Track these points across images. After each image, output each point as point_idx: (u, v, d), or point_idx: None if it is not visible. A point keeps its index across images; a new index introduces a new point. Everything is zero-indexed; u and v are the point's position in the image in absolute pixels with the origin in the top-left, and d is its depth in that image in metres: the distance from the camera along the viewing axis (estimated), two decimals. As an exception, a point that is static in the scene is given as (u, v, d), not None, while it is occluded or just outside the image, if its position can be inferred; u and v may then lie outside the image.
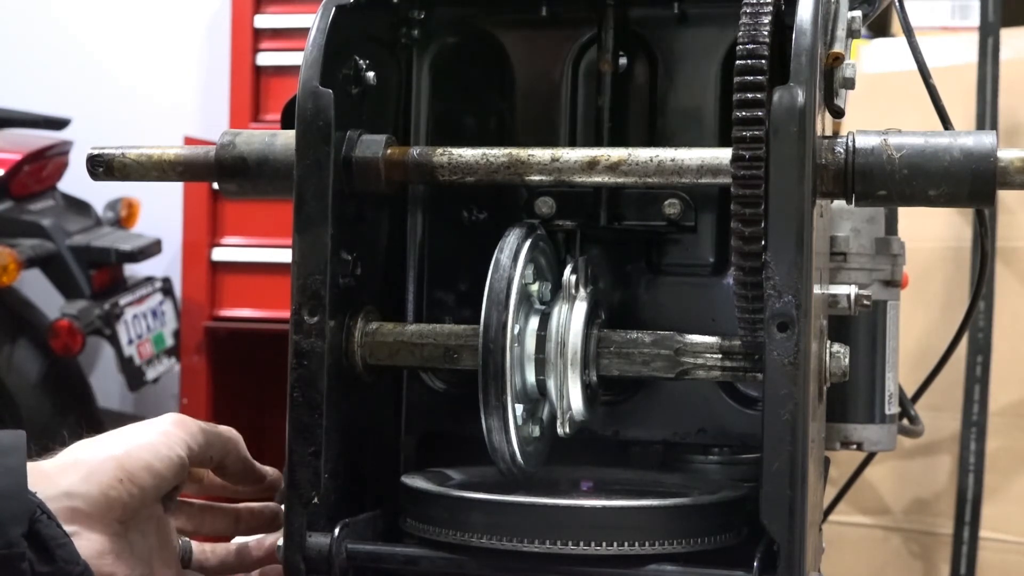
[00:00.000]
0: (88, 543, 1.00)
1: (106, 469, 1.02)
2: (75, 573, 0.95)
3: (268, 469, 1.20)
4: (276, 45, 3.82)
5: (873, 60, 2.61)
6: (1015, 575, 2.46)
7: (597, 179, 1.10)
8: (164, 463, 1.05)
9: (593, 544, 1.01)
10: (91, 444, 1.05)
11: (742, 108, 0.98)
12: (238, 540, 1.22)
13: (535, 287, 1.11)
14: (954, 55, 2.59)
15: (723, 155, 1.06)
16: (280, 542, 1.07)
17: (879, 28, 2.77)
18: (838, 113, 1.06)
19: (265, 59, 3.83)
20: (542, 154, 1.10)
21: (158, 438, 1.07)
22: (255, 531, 1.21)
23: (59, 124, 4.07)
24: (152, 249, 3.94)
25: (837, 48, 1.04)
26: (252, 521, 1.21)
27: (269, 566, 1.19)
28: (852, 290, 1.11)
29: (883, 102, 2.41)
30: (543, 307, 1.11)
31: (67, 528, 0.97)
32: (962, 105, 2.51)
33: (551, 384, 1.09)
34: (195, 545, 1.18)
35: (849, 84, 1.05)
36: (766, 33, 0.98)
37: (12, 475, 0.95)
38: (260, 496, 1.22)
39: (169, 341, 3.97)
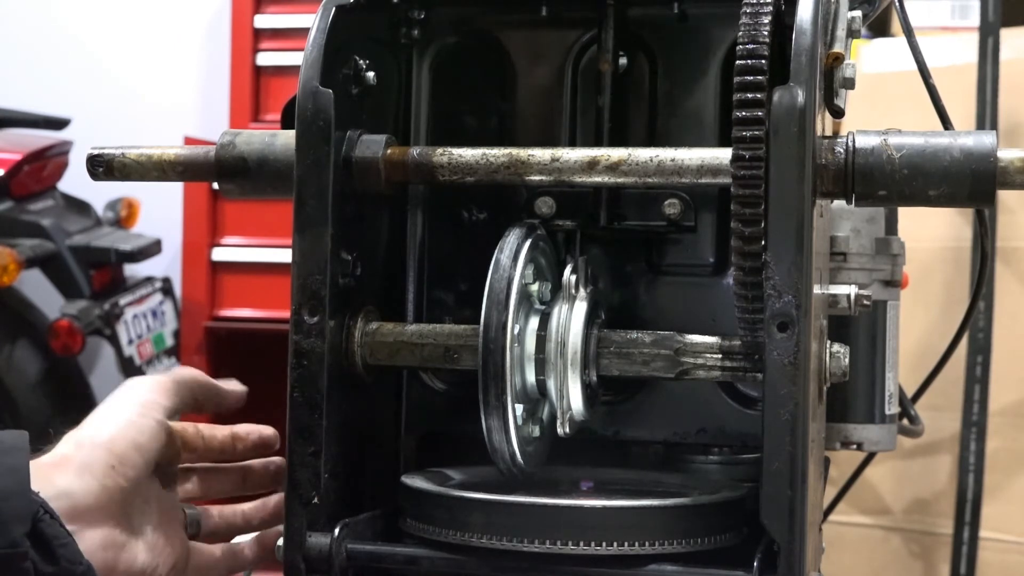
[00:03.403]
0: (91, 539, 1.00)
1: (97, 459, 1.03)
2: (78, 573, 0.95)
3: (263, 432, 1.22)
4: (276, 45, 3.82)
5: (873, 60, 2.61)
6: (1015, 575, 2.45)
7: (597, 179, 1.10)
8: (148, 435, 1.06)
9: (593, 544, 1.01)
10: (76, 437, 1.06)
11: (742, 108, 0.98)
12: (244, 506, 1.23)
13: (535, 287, 1.11)
14: (954, 55, 2.59)
15: (723, 155, 1.06)
16: (280, 542, 1.07)
17: (879, 28, 2.77)
18: (838, 113, 1.06)
19: (265, 59, 3.83)
20: (542, 154, 1.10)
21: (135, 410, 1.08)
22: (263, 487, 1.22)
23: (59, 124, 4.07)
24: (152, 249, 3.94)
25: (837, 48, 1.04)
26: (259, 477, 1.22)
27: (268, 530, 1.20)
28: (852, 290, 1.11)
29: (883, 102, 2.41)
30: (543, 307, 1.11)
31: (68, 527, 0.97)
32: (962, 105, 2.51)
33: (551, 384, 1.09)
34: (203, 512, 1.18)
35: (849, 84, 1.05)
36: (766, 33, 0.98)
37: (15, 474, 0.95)
38: (260, 453, 1.22)
39: (169, 341, 3.97)
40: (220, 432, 1.19)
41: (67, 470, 1.01)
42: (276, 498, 1.22)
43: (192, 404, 1.16)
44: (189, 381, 1.16)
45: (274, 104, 3.81)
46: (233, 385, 1.22)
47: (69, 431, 1.07)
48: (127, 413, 1.07)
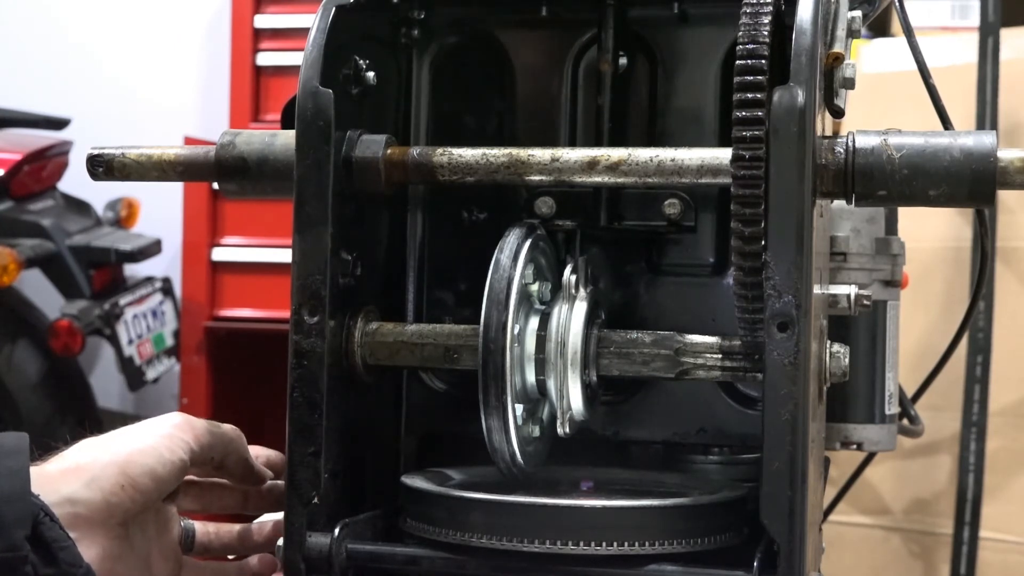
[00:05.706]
0: (89, 548, 0.99)
1: (108, 475, 1.02)
2: None
3: (270, 456, 1.20)
4: (276, 45, 3.82)
5: (873, 60, 2.61)
6: (1015, 575, 2.45)
7: (597, 179, 1.10)
8: (167, 468, 1.05)
9: (593, 544, 1.01)
10: (93, 447, 1.05)
11: (742, 108, 0.98)
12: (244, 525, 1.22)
13: (535, 287, 1.11)
14: (954, 55, 2.59)
15: (723, 155, 1.06)
16: (280, 542, 1.07)
17: (879, 28, 2.77)
18: (838, 113, 1.06)
19: (265, 59, 3.83)
20: (542, 154, 1.10)
21: (160, 441, 1.06)
22: (264, 509, 1.21)
23: (59, 124, 4.07)
24: (152, 249, 3.94)
25: (837, 48, 1.04)
26: (261, 500, 1.21)
27: (268, 555, 1.19)
28: (852, 290, 1.11)
29: (883, 102, 2.42)
30: (543, 307, 1.11)
31: (68, 534, 0.97)
32: (962, 105, 2.51)
33: (551, 384, 1.09)
34: (199, 527, 1.18)
35: (849, 84, 1.05)
36: (766, 33, 0.98)
37: (15, 477, 0.95)
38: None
39: (169, 341, 3.97)
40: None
41: (75, 479, 1.01)
42: (272, 523, 1.21)
43: (219, 462, 1.13)
44: (226, 440, 1.13)
45: (274, 104, 3.81)
46: (265, 472, 1.19)
47: (84, 436, 1.07)
48: (152, 440, 1.06)
